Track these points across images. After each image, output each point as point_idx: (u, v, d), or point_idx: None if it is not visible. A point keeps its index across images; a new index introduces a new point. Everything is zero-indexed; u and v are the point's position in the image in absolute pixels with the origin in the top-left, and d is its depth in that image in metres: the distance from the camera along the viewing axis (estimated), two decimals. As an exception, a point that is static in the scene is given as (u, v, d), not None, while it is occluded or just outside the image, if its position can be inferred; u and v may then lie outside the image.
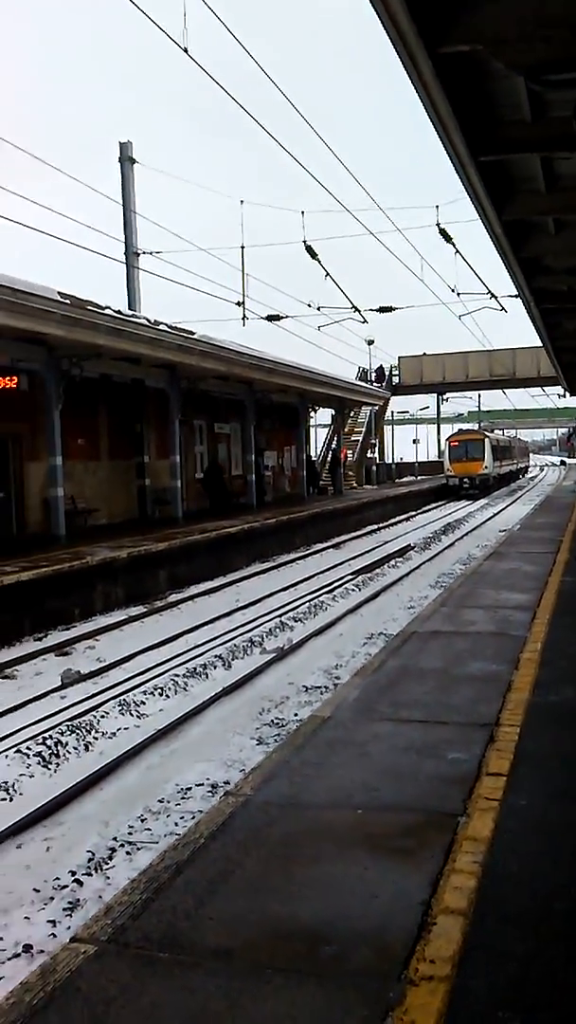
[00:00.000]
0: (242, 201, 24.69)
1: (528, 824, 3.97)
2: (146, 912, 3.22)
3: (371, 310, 29.00)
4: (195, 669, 10.48)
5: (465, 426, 64.51)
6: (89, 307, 16.02)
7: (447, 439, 48.58)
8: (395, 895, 3.35)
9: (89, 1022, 2.59)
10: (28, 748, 7.71)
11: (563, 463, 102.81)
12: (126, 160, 24.51)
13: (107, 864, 5.68)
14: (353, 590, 16.49)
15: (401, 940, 3.03)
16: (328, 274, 22.72)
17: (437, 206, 19.78)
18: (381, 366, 53.29)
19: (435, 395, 61.40)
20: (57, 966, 2.87)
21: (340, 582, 17.34)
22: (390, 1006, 2.67)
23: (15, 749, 7.69)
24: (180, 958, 2.95)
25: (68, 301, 15.34)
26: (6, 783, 7.04)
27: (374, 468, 48.78)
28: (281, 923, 3.18)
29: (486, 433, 50.42)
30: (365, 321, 27.44)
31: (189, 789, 6.84)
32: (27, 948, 4.74)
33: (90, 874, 5.56)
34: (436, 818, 4.04)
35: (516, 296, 13.75)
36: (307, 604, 14.82)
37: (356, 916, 3.21)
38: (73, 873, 5.58)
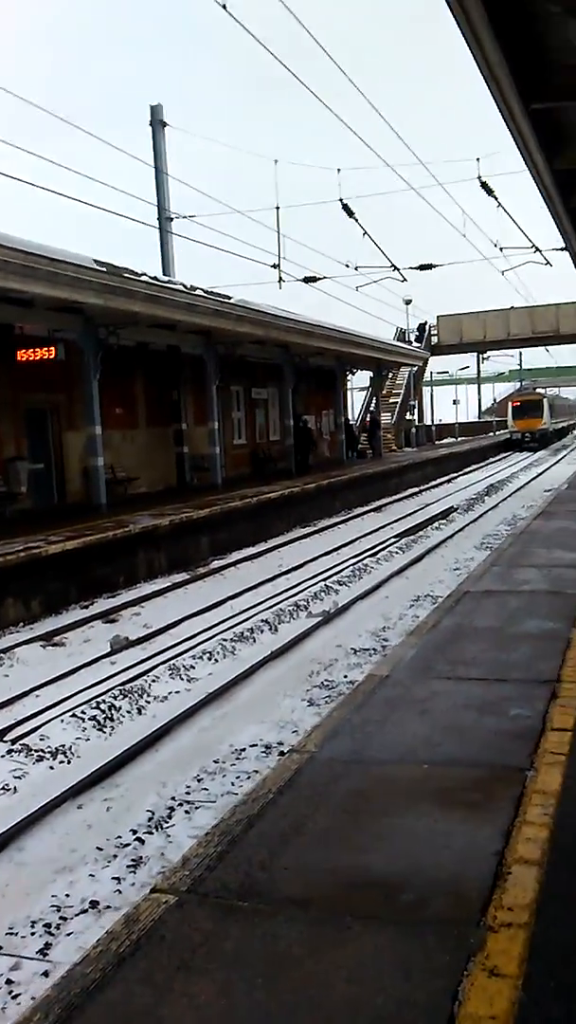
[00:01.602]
0: (276, 160, 24.29)
1: (596, 777, 3.95)
2: (222, 863, 3.28)
3: (410, 268, 28.43)
4: (242, 633, 10.55)
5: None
6: (125, 274, 15.97)
7: (510, 399, 56.32)
8: (467, 846, 3.36)
9: (176, 968, 2.64)
10: (83, 712, 7.84)
11: None
12: (157, 123, 24.30)
13: (167, 823, 5.78)
14: (397, 553, 16.45)
15: (477, 889, 3.05)
16: (366, 232, 22.43)
17: (478, 159, 19.38)
18: (424, 323, 52.58)
19: (475, 354, 60.67)
20: (140, 916, 2.93)
21: (383, 545, 17.30)
22: (471, 951, 2.68)
23: (71, 714, 7.82)
24: (259, 907, 2.99)
25: (104, 269, 15.31)
26: (64, 746, 7.17)
27: (413, 430, 48.41)
28: (356, 873, 3.21)
29: (543, 394, 57.68)
30: (404, 280, 27.09)
31: (243, 750, 6.91)
32: (94, 904, 4.86)
33: (151, 832, 5.66)
34: (503, 772, 4.03)
35: (562, 249, 13.43)
36: (351, 568, 14.82)
37: (429, 866, 3.23)
38: (134, 832, 5.68)
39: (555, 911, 2.90)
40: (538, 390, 71.30)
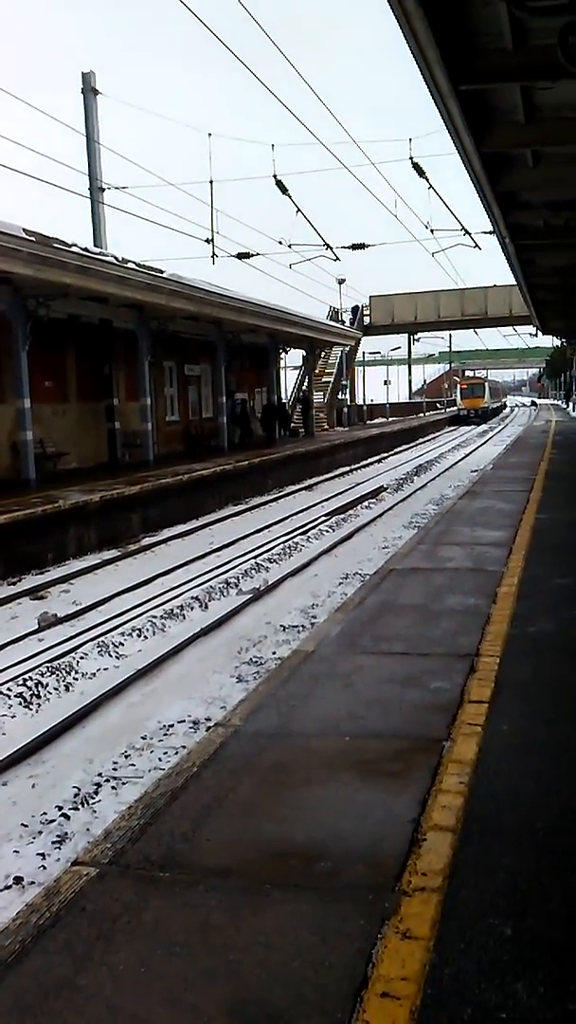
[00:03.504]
0: (210, 134, 24.01)
1: (510, 748, 4.09)
2: (144, 836, 3.30)
3: (343, 247, 28.52)
4: (172, 610, 10.53)
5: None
6: (56, 244, 15.65)
7: (459, 382, 69.78)
8: (385, 814, 3.45)
9: (96, 939, 2.67)
10: (8, 689, 7.75)
11: (534, 404, 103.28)
12: (89, 91, 23.76)
13: (93, 799, 5.77)
14: (327, 531, 16.58)
15: (393, 855, 3.14)
16: (299, 210, 22.37)
17: (411, 139, 19.47)
18: (359, 305, 52.82)
19: (406, 335, 61.23)
20: (61, 888, 2.94)
21: (313, 524, 17.41)
22: (386, 915, 2.77)
23: (-4, 690, 7.72)
24: (180, 877, 3.04)
25: (34, 239, 14.97)
26: (-12, 723, 7.09)
27: (345, 410, 48.67)
28: (276, 842, 3.27)
29: (484, 379, 70.88)
30: (337, 259, 27.16)
31: (171, 726, 6.92)
32: (18, 880, 4.85)
33: (77, 808, 5.65)
34: (421, 743, 4.14)
35: (491, 232, 13.62)
36: (281, 546, 14.89)
37: (348, 835, 3.31)
38: (60, 808, 5.66)
39: (467, 875, 3.01)
40: (468, 373, 79.32)
